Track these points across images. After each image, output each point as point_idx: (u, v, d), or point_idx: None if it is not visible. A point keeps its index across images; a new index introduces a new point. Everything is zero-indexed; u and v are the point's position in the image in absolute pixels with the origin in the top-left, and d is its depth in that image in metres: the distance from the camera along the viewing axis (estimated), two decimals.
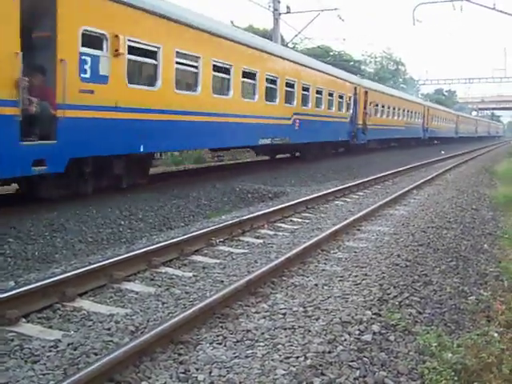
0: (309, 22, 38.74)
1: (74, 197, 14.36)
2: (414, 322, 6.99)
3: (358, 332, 6.35)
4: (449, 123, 77.17)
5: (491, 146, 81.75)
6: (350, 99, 35.56)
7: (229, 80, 20.49)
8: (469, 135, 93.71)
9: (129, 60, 14.86)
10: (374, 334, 6.37)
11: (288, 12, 36.69)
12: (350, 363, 5.59)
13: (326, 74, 31.65)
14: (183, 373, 5.33)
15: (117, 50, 14.14)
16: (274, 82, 24.35)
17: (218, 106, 19.54)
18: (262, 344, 6.02)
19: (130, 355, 5.43)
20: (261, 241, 11.45)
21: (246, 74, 21.57)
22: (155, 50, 15.92)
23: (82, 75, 13.22)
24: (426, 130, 60.37)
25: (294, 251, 9.66)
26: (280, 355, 5.71)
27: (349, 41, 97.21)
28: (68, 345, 5.88)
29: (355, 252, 10.40)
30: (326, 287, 8.15)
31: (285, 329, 6.44)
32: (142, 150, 15.76)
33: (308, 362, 5.52)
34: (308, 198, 16.60)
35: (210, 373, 5.33)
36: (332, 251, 10.54)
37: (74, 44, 12.91)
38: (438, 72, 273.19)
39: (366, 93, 38.69)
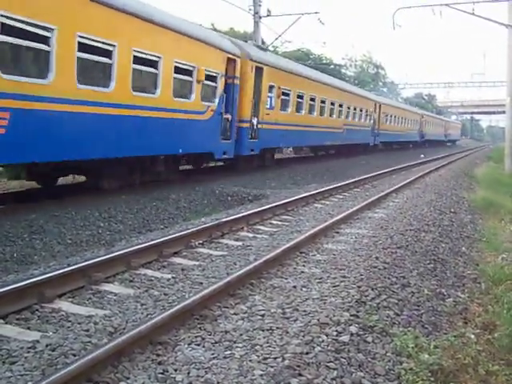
0: (289, 25, 38.77)
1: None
2: (392, 323, 7.04)
3: (335, 333, 6.37)
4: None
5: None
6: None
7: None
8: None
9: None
10: (352, 335, 6.40)
11: (268, 15, 36.73)
12: (328, 364, 5.61)
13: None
14: (161, 373, 5.33)
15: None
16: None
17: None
18: (240, 345, 6.03)
19: (109, 356, 5.44)
20: (240, 243, 11.46)
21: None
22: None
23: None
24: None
25: (273, 253, 9.68)
26: (258, 356, 5.73)
27: (329, 44, 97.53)
28: (46, 346, 5.86)
29: (334, 254, 10.44)
30: (304, 289, 8.18)
31: (263, 330, 6.46)
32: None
33: (286, 362, 5.54)
34: (288, 200, 16.64)
35: (189, 373, 5.34)
36: (311, 253, 10.57)
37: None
38: (418, 76, 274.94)
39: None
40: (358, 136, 45.33)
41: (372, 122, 49.10)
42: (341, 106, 39.79)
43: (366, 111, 47.33)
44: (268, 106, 27.01)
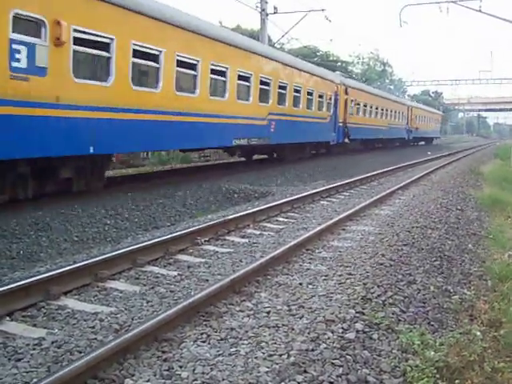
0: (296, 22, 38.83)
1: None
2: (398, 320, 7.03)
3: (341, 330, 6.37)
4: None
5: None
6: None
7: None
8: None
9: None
10: (358, 332, 6.39)
11: (275, 12, 36.77)
12: (333, 361, 5.60)
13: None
14: (167, 370, 5.33)
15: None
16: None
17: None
18: (245, 342, 6.03)
19: (114, 353, 5.44)
20: (246, 240, 11.46)
21: None
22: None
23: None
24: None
25: (279, 250, 9.68)
26: (263, 353, 5.73)
27: (336, 41, 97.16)
28: (52, 343, 5.88)
29: (340, 251, 10.42)
30: (310, 286, 8.17)
31: (269, 327, 6.45)
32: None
33: (291, 359, 5.54)
34: (294, 197, 16.64)
35: (194, 370, 5.34)
36: (317, 251, 10.56)
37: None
38: (425, 73, 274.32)
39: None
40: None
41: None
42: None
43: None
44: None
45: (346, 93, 39.49)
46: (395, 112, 56.82)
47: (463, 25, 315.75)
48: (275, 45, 43.27)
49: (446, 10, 35.69)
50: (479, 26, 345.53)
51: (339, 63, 74.62)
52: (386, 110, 52.80)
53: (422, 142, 77.19)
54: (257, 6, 35.88)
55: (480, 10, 32.65)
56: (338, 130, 37.53)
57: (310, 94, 31.80)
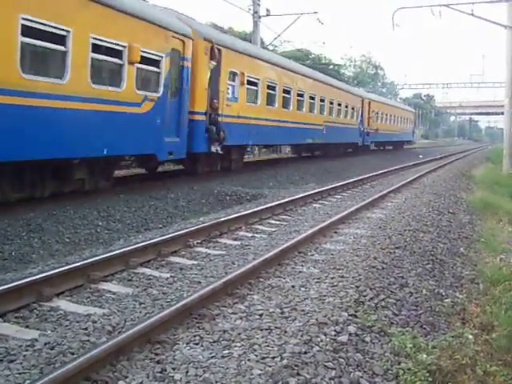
0: (288, 25, 38.82)
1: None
2: (390, 323, 7.05)
3: (334, 333, 6.37)
4: None
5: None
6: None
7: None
8: None
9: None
10: (350, 334, 6.40)
11: (268, 15, 36.79)
12: (326, 363, 5.61)
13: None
14: (160, 372, 5.33)
15: None
16: None
17: None
18: (238, 344, 6.02)
19: (107, 354, 5.43)
20: (238, 242, 11.45)
21: None
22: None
23: None
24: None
25: (272, 253, 9.66)
26: (256, 355, 5.72)
27: (328, 44, 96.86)
28: (45, 344, 5.86)
29: (332, 254, 10.42)
30: (302, 289, 8.17)
31: (261, 329, 6.45)
32: None
33: (284, 362, 5.53)
34: (286, 200, 16.63)
35: (187, 372, 5.33)
36: (309, 253, 10.56)
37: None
38: (417, 76, 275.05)
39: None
40: None
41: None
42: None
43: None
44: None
45: (213, 56, 20.91)
46: (340, 105, 40.00)
47: (455, 28, 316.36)
48: (268, 47, 43.26)
49: (438, 13, 35.65)
50: (471, 30, 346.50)
51: (331, 66, 74.66)
52: (322, 101, 35.62)
53: (390, 147, 62.46)
54: (249, 9, 35.90)
55: (472, 14, 32.67)
56: (191, 131, 19.99)
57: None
